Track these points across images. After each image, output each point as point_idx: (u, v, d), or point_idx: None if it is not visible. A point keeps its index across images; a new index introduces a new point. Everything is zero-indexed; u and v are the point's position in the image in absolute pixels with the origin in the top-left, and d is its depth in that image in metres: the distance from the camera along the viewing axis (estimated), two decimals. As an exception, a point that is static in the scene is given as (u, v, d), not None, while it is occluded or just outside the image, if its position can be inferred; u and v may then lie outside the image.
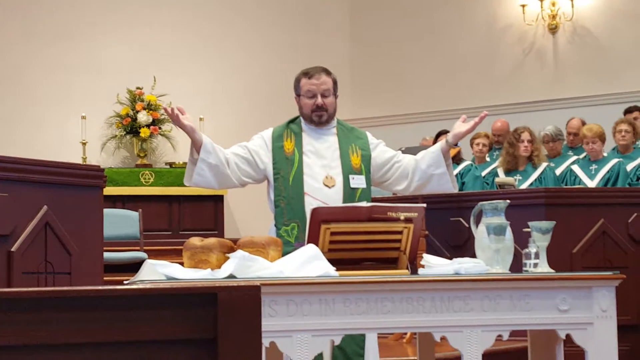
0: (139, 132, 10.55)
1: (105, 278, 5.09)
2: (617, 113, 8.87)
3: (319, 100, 4.38)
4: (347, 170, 4.36)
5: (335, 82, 4.45)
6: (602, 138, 7.89)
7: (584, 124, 8.49)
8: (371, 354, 4.23)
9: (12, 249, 4.41)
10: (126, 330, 1.73)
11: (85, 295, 1.73)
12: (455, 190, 4.54)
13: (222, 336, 1.76)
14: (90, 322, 1.71)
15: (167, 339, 1.76)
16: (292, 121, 4.51)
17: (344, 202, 4.24)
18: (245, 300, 1.78)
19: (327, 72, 4.44)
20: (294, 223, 4.23)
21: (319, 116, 4.40)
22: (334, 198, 4.27)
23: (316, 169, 4.35)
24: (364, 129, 4.70)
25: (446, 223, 6.84)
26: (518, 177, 7.82)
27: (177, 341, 1.76)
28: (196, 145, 4.29)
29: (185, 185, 10.30)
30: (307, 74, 4.43)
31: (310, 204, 4.09)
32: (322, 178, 4.33)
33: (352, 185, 4.33)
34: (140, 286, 1.86)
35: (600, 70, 10.29)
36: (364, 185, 4.36)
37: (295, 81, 4.47)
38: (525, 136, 7.82)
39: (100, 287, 1.74)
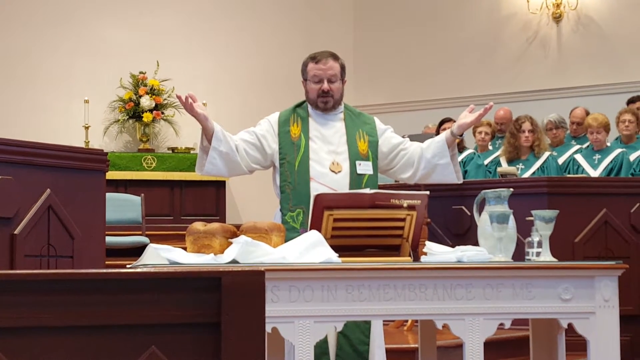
0: (142, 117, 10.54)
1: (107, 262, 5.10)
2: (621, 103, 8.85)
3: (325, 85, 4.35)
4: (354, 156, 4.34)
5: (343, 68, 4.42)
6: (606, 128, 7.87)
7: (587, 113, 8.47)
8: (376, 342, 4.22)
9: (15, 232, 4.41)
10: (130, 314, 1.73)
11: (90, 278, 1.73)
12: (460, 182, 4.49)
13: (225, 320, 1.76)
14: (95, 305, 1.71)
15: (171, 323, 1.76)
16: (299, 105, 4.48)
17: (351, 188, 4.21)
18: (249, 285, 1.78)
19: (335, 57, 4.41)
20: (300, 209, 4.21)
21: (324, 102, 4.38)
22: (341, 184, 4.25)
23: (322, 154, 4.33)
24: (369, 116, 4.67)
25: (448, 211, 6.84)
26: (520, 166, 7.81)
27: (181, 325, 1.77)
28: (207, 134, 4.25)
29: (184, 170, 10.27)
30: (314, 58, 4.40)
31: (316, 190, 4.07)
32: (329, 164, 4.31)
33: (358, 172, 4.30)
34: (145, 270, 1.86)
35: (604, 59, 10.27)
36: (371, 172, 4.34)
37: (303, 65, 4.44)
38: (526, 126, 7.80)
39: (105, 271, 1.74)
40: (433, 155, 4.39)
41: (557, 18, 10.51)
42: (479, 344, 3.62)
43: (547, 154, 7.84)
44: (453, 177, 4.42)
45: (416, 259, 3.85)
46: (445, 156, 4.38)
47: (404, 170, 4.47)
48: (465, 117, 4.38)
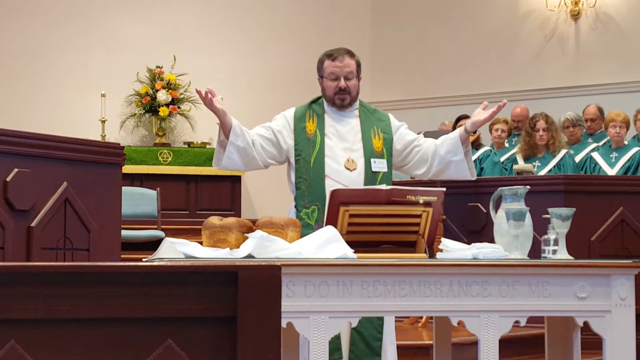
0: (158, 111, 10.56)
1: (122, 255, 5.11)
2: (639, 101, 8.81)
3: (342, 83, 4.34)
4: (369, 153, 4.33)
5: (359, 65, 4.41)
6: (627, 125, 7.84)
7: (600, 110, 8.44)
8: (388, 338, 4.22)
9: (32, 225, 4.43)
10: (147, 307, 1.74)
11: (106, 271, 1.73)
12: (473, 178, 4.50)
13: (241, 315, 1.76)
14: (111, 298, 1.72)
15: (187, 317, 1.76)
16: (315, 101, 4.47)
17: (365, 185, 4.22)
18: (265, 280, 1.78)
19: (351, 54, 4.40)
20: (315, 206, 4.21)
21: (341, 100, 4.37)
22: (355, 181, 4.25)
23: (338, 151, 4.32)
24: (384, 112, 4.67)
25: (464, 208, 6.83)
26: (537, 163, 7.79)
27: (197, 319, 1.77)
28: (225, 128, 4.26)
29: (200, 165, 10.27)
30: (330, 55, 4.39)
31: (331, 187, 4.06)
32: (344, 161, 4.31)
33: (373, 169, 4.30)
34: (161, 263, 1.87)
35: (622, 57, 10.22)
36: (385, 169, 4.34)
37: (319, 62, 4.43)
38: (541, 125, 7.77)
39: (121, 264, 1.75)
40: (447, 151, 4.39)
41: (576, 15, 10.46)
42: (494, 341, 3.61)
43: (563, 151, 7.81)
44: (467, 173, 4.42)
45: (432, 255, 3.85)
46: (459, 153, 4.38)
47: (417, 167, 4.47)
48: (479, 114, 4.39)
